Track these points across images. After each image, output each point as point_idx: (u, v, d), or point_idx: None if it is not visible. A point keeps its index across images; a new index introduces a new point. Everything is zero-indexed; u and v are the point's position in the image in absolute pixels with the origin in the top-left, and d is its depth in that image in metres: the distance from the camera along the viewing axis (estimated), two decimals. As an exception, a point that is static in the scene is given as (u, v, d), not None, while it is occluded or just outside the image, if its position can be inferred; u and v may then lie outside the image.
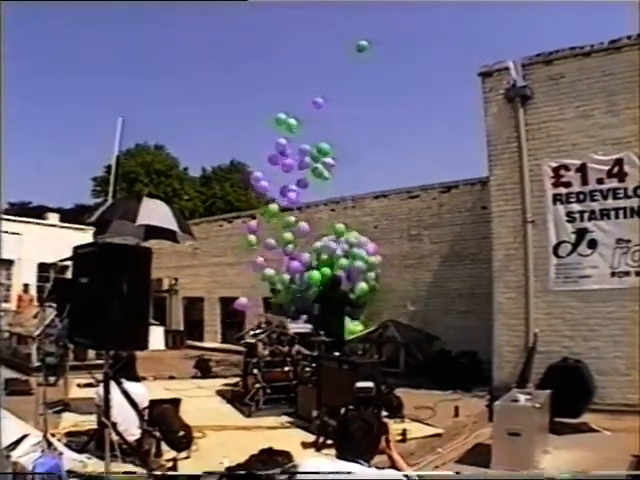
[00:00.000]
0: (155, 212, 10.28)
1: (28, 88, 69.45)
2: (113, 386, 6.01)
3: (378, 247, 16.89)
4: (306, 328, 12.13)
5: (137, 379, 7.25)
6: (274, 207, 15.71)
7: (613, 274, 11.16)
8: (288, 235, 15.33)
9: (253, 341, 11.18)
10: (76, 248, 5.76)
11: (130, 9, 70.69)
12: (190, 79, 70.81)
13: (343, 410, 7.45)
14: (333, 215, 18.43)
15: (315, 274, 14.96)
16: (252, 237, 15.92)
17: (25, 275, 23.32)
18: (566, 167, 11.69)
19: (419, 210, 17.53)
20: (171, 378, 13.95)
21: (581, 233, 11.48)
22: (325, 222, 16.33)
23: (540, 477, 6.61)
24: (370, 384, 7.27)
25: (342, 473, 3.42)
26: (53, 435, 6.98)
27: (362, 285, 15.43)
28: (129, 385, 6.72)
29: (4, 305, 20.23)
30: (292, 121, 15.37)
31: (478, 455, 7.75)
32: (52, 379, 10.20)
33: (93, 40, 72.81)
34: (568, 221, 11.62)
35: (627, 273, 11.03)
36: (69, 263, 6.41)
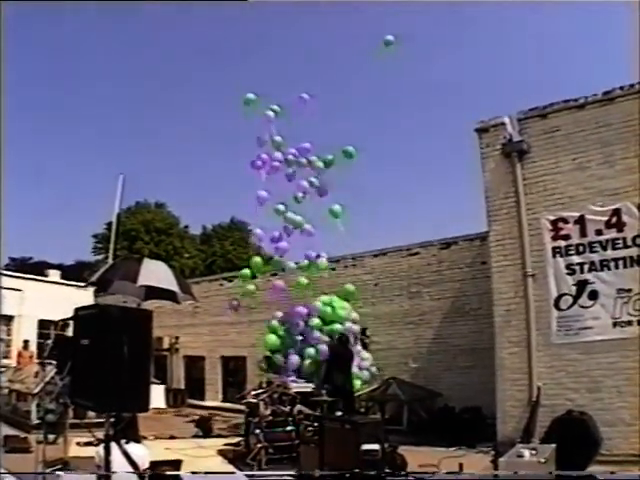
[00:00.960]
0: (155, 273, 10.34)
1: (29, 146, 70.35)
2: (114, 446, 5.95)
3: (378, 305, 17.06)
4: (308, 387, 12.07)
5: (138, 440, 7.19)
6: (258, 260, 15.99)
7: (615, 324, 11.12)
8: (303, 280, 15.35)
9: (255, 401, 11.10)
10: (77, 310, 5.78)
11: (129, 68, 72.07)
12: (189, 140, 71.45)
13: (348, 475, 7.39)
14: (333, 273, 18.46)
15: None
16: (252, 286, 15.91)
17: (25, 331, 23.23)
18: (564, 220, 11.76)
19: (419, 267, 17.60)
20: (172, 438, 13.78)
21: (582, 285, 11.48)
22: (326, 281, 16.30)
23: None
24: (376, 446, 7.20)
25: None
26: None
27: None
28: (130, 446, 6.65)
29: (4, 361, 20.10)
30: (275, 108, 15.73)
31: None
32: (51, 437, 10.07)
33: (93, 98, 73.70)
34: (568, 273, 11.64)
35: (629, 323, 10.99)
36: (71, 322, 6.42)
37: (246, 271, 15.70)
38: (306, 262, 15.50)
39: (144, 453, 6.90)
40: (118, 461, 6.19)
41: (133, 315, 5.62)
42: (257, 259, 15.78)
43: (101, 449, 5.71)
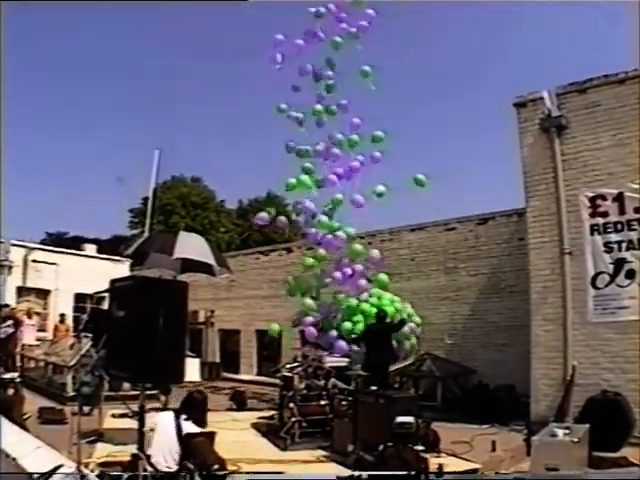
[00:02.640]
0: (192, 246, 10.42)
1: (64, 121, 71.05)
2: (167, 416, 6.04)
3: (414, 280, 16.91)
4: (342, 362, 12.07)
5: (200, 423, 7.25)
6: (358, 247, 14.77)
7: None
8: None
9: (289, 374, 11.15)
10: (113, 281, 5.84)
11: (165, 47, 72.12)
12: (226, 112, 71.40)
13: (381, 447, 7.40)
14: (369, 248, 18.40)
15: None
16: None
17: (62, 305, 23.57)
18: (603, 197, 11.57)
19: (456, 242, 17.47)
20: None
21: (619, 263, 11.33)
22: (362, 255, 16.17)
23: None
24: (411, 419, 7.20)
25: None
26: (86, 465, 7.00)
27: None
28: (188, 425, 6.72)
29: (40, 334, 20.47)
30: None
31: (516, 490, 7.61)
32: (87, 409, 10.25)
33: (129, 71, 73.98)
34: (606, 251, 11.48)
35: (666, 303, 10.83)
36: (105, 294, 6.50)
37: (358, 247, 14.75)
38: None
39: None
40: (166, 432, 6.31)
41: (168, 287, 5.68)
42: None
43: (138, 420, 5.79)
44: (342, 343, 13.10)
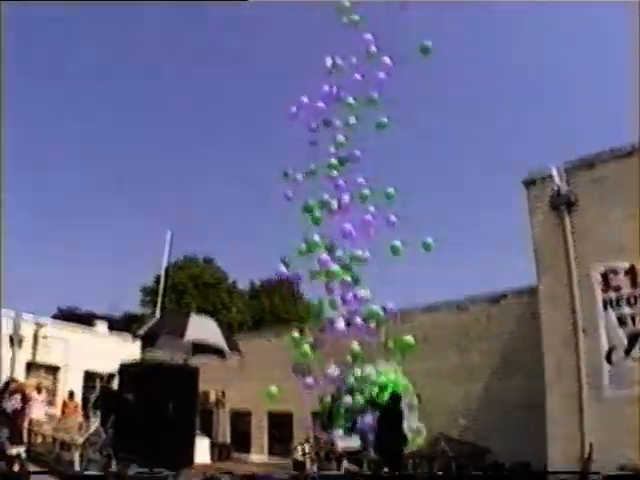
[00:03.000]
0: (203, 329, 10.46)
1: (81, 201, 72.07)
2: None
3: (427, 361, 16.77)
4: (355, 445, 11.89)
5: None
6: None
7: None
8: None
9: (301, 459, 11.04)
10: (123, 365, 5.88)
11: (170, 128, 73.75)
12: (239, 193, 72.43)
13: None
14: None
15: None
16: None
17: (71, 381, 23.44)
18: (615, 271, 11.59)
19: (468, 322, 17.42)
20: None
21: (634, 337, 11.25)
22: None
23: None
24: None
25: None
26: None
27: None
28: None
29: (49, 410, 20.32)
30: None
31: None
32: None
33: (141, 155, 75.40)
34: (620, 326, 11.42)
35: (683, 376, 10.70)
36: (116, 376, 6.53)
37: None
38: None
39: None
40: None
41: (179, 372, 5.69)
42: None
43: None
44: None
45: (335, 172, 14.33)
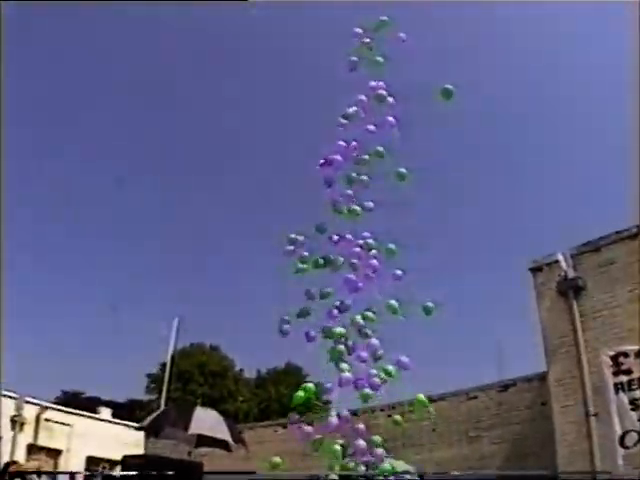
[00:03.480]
0: (207, 422, 10.43)
1: (84, 285, 72.26)
2: None
3: (437, 451, 16.61)
4: None
5: None
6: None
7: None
8: None
9: None
10: (125, 457, 5.90)
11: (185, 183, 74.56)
12: (245, 282, 72.65)
13: None
14: (389, 420, 18.10)
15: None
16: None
17: (72, 466, 23.09)
18: (625, 354, 11.55)
19: (478, 411, 17.24)
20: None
21: (647, 419, 11.15)
22: (382, 428, 15.91)
23: None
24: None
25: None
26: None
27: None
28: None
29: (51, 495, 19.99)
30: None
31: None
32: None
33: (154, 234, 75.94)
34: (632, 409, 11.29)
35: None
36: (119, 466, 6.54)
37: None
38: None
39: None
40: None
41: (181, 467, 5.69)
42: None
43: None
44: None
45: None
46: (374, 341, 13.56)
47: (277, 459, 13.88)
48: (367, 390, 12.80)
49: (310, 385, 13.20)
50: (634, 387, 11.36)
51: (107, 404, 31.11)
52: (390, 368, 13.67)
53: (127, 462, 5.71)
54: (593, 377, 11.92)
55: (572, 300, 12.47)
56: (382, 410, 17.84)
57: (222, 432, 10.50)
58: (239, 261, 75.13)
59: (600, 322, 12.06)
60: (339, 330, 13.35)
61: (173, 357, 22.24)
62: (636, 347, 11.44)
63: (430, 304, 13.76)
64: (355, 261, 12.51)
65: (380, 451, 12.92)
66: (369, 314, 12.45)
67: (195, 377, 44.14)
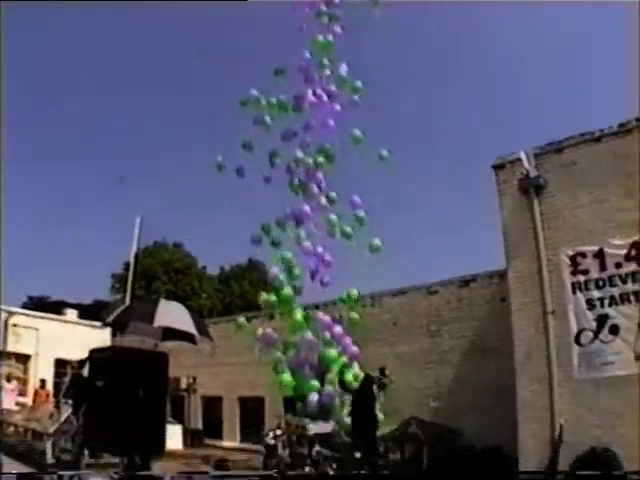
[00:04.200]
0: (172, 314, 10.38)
1: (50, 182, 71.20)
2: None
3: (397, 345, 16.88)
4: (327, 428, 11.88)
5: None
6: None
7: (637, 358, 10.94)
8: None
9: (273, 442, 11.02)
10: (92, 351, 5.79)
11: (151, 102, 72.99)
12: (210, 181, 71.83)
13: None
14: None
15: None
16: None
17: (42, 370, 23.26)
18: (583, 254, 11.69)
19: (438, 305, 17.49)
20: (189, 478, 13.63)
21: (602, 320, 11.38)
22: (344, 321, 15.90)
23: None
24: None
25: None
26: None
27: None
28: None
29: (20, 399, 20.13)
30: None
31: None
32: (67, 476, 10.06)
33: (115, 133, 74.40)
34: (588, 308, 11.55)
35: (652, 356, 10.85)
36: (86, 362, 6.43)
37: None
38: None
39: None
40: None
41: (148, 357, 5.62)
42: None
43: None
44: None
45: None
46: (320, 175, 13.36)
47: (241, 319, 13.78)
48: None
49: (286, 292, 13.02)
50: (591, 287, 11.57)
51: (73, 307, 31.13)
52: (348, 229, 13.60)
53: (94, 356, 5.61)
54: (552, 276, 12.09)
55: (533, 199, 12.48)
56: (343, 302, 17.95)
57: (187, 324, 10.50)
58: (199, 158, 74.29)
59: (560, 222, 12.14)
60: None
61: (137, 256, 21.96)
62: (595, 248, 11.55)
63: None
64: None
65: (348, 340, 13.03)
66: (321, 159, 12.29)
67: (159, 275, 44.13)
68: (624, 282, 11.28)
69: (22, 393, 22.06)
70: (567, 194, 12.08)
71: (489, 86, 68.11)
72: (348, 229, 13.13)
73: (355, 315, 13.64)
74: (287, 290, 13.27)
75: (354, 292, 13.50)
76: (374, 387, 12.78)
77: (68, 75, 67.99)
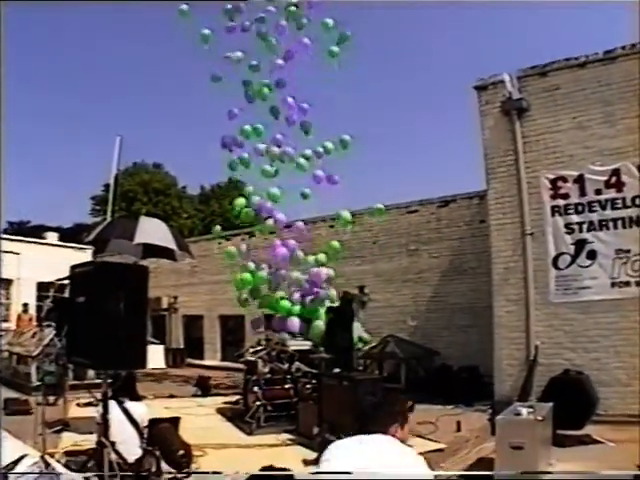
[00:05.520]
0: (153, 231, 10.31)
1: (26, 107, 69.76)
2: (113, 405, 5.96)
3: (377, 263, 17.02)
4: (306, 345, 12.03)
5: (138, 398, 7.17)
6: (270, 223, 13.22)
7: (613, 284, 11.16)
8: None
9: (253, 359, 11.12)
10: (73, 267, 5.73)
11: (130, 25, 71.20)
12: (189, 98, 70.80)
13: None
14: (332, 231, 18.15)
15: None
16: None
17: (24, 294, 23.27)
18: (564, 179, 11.71)
19: (417, 225, 17.51)
20: (171, 397, 13.88)
21: (580, 244, 11.49)
22: (323, 239, 15.98)
23: None
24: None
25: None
26: (52, 455, 6.92)
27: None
28: (130, 404, 6.65)
29: (3, 325, 20.18)
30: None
31: (481, 469, 7.69)
32: (51, 398, 10.19)
33: (90, 55, 72.79)
34: (567, 233, 11.63)
35: (627, 283, 11.03)
36: (68, 282, 6.38)
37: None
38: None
39: (143, 410, 6.89)
40: (119, 419, 6.23)
41: (128, 271, 5.58)
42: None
43: (101, 408, 5.73)
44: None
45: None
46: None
47: (231, 248, 13.70)
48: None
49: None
50: (570, 212, 11.62)
51: (53, 230, 30.97)
52: (329, 144, 13.39)
53: (75, 272, 5.57)
54: (531, 198, 12.12)
55: (515, 121, 12.41)
56: (323, 221, 18.00)
57: (167, 240, 10.47)
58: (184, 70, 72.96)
59: (542, 145, 12.10)
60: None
61: (116, 177, 21.71)
62: (575, 173, 11.56)
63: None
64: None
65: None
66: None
67: (139, 196, 43.94)
68: (603, 208, 11.35)
69: (5, 318, 22.15)
70: (549, 118, 12.01)
71: (476, 7, 66.87)
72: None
73: (335, 244, 13.80)
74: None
75: (345, 214, 13.62)
76: (354, 304, 12.89)
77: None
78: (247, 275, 12.64)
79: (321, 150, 13.28)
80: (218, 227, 15.12)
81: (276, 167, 13.22)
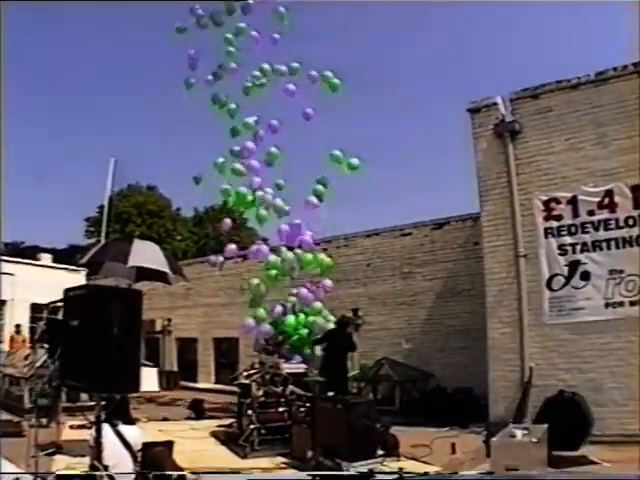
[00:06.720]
0: (146, 254, 10.33)
1: (22, 126, 69.88)
2: (107, 428, 5.92)
3: (370, 286, 17.02)
4: (300, 368, 12.02)
5: (131, 421, 7.12)
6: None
7: (607, 305, 11.18)
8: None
9: (247, 382, 11.08)
10: (67, 290, 5.72)
11: (126, 49, 71.51)
12: (182, 121, 71.05)
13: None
14: (325, 254, 18.21)
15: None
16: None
17: (17, 316, 23.11)
18: (557, 200, 11.77)
19: (411, 247, 17.54)
20: (165, 420, 13.78)
21: (574, 265, 11.53)
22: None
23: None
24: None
25: None
26: (45, 478, 6.86)
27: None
28: (123, 427, 6.60)
29: (-3, 346, 20.07)
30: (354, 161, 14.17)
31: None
32: (44, 421, 10.10)
33: (85, 76, 73.03)
34: (560, 254, 11.67)
35: (621, 303, 11.06)
36: (61, 304, 6.37)
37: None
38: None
39: (137, 434, 6.84)
40: (112, 442, 6.18)
41: (122, 294, 5.57)
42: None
43: (94, 431, 5.69)
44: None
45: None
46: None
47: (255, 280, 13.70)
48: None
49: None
50: (563, 233, 11.68)
51: (47, 251, 30.85)
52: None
53: (69, 295, 5.55)
54: (524, 220, 12.18)
55: (508, 143, 12.50)
56: (317, 244, 17.98)
57: (161, 263, 10.48)
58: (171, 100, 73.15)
59: (535, 167, 12.19)
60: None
61: (111, 199, 21.77)
62: (568, 194, 11.62)
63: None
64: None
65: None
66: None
67: (133, 218, 43.84)
68: (596, 229, 11.41)
69: (-2, 339, 22.02)
70: (542, 140, 12.11)
71: (469, 30, 67.49)
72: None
73: (327, 259, 13.93)
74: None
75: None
76: (349, 328, 12.89)
77: None
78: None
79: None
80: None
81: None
